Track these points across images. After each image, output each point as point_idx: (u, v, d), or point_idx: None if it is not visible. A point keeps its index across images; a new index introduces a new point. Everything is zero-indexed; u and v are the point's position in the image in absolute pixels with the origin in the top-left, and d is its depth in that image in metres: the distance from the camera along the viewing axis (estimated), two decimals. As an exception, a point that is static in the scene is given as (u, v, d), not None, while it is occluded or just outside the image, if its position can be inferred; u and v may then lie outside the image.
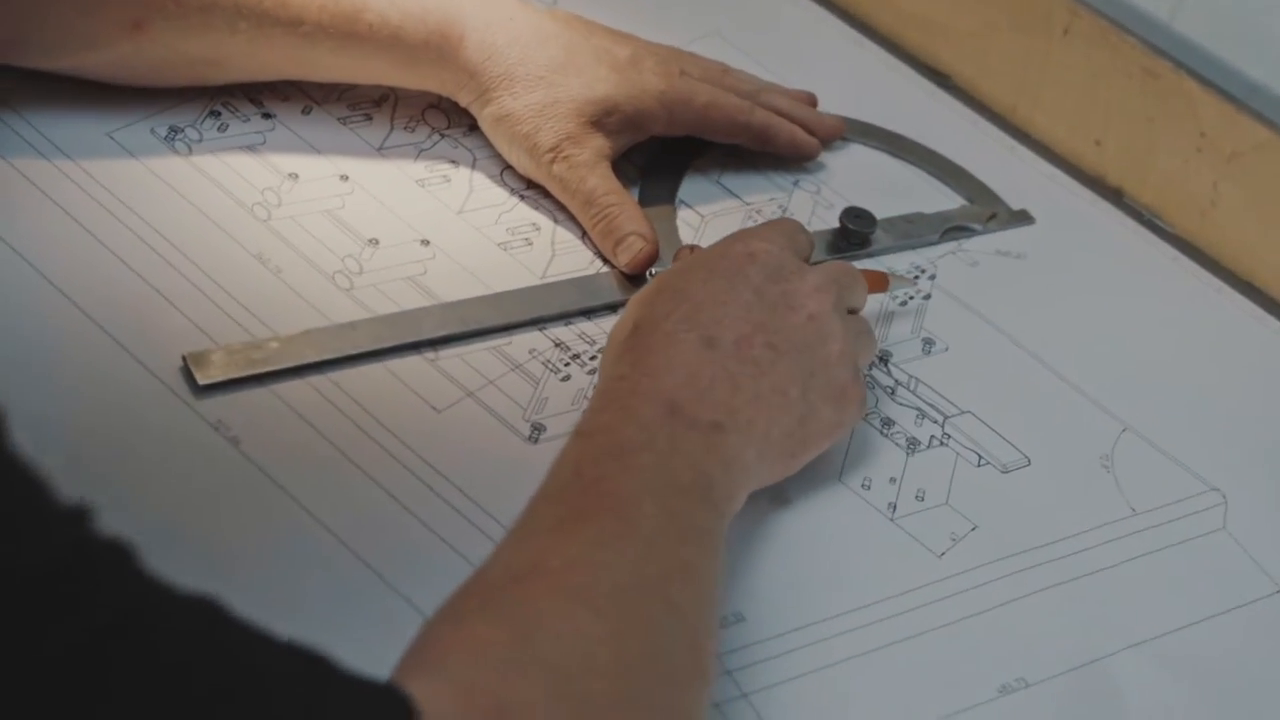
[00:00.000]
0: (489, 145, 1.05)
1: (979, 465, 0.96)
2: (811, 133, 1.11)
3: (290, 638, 0.62)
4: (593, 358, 0.96)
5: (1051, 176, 1.15)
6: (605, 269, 1.02)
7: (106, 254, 0.95)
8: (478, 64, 1.02)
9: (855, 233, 1.06)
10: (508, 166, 1.05)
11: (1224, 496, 0.97)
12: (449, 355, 0.95)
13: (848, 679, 0.85)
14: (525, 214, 1.04)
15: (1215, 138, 1.10)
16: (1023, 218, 1.11)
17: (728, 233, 0.95)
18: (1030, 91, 1.18)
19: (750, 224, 1.06)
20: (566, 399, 0.94)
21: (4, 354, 0.90)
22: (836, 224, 1.06)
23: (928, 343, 1.02)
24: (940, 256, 1.08)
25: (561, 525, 0.76)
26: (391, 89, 1.07)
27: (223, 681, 0.58)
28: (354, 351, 0.93)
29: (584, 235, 1.03)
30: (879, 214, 1.07)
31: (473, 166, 1.05)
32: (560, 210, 1.04)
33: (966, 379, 1.00)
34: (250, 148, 1.03)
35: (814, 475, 0.91)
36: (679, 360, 0.85)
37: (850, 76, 1.19)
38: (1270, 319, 1.08)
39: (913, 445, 0.96)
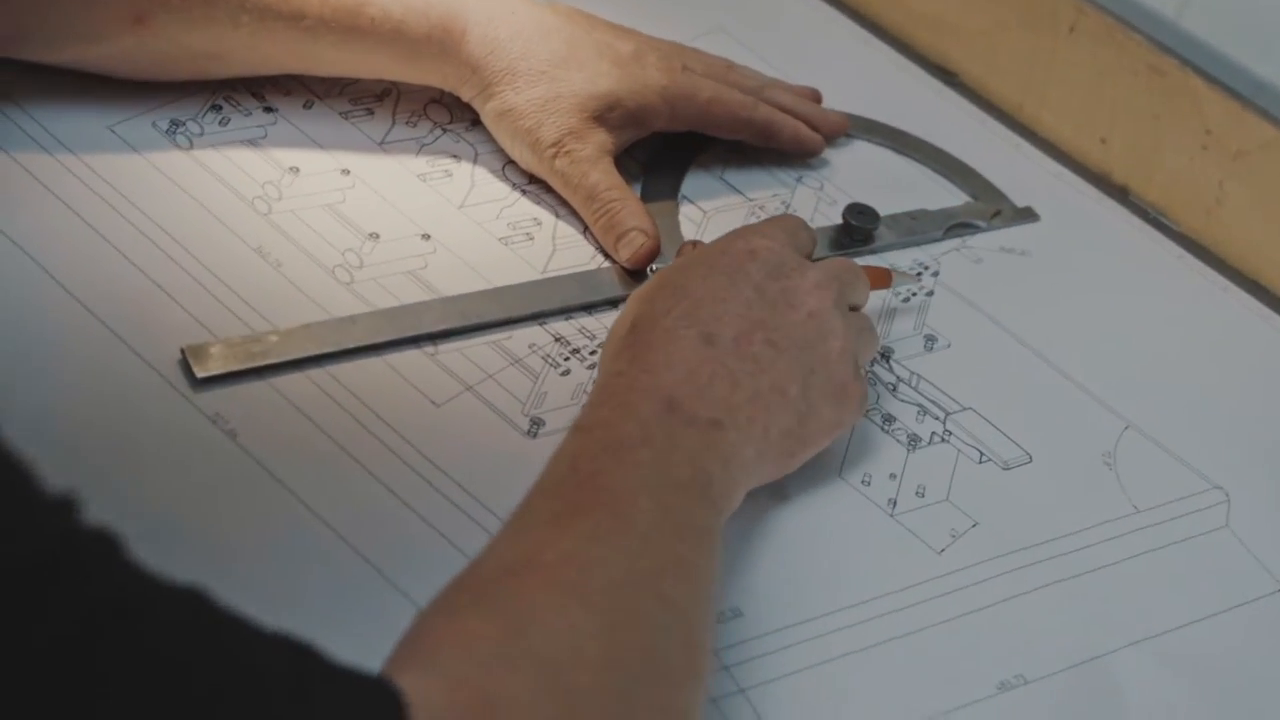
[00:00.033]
0: (491, 140, 1.05)
1: (980, 462, 0.96)
2: (815, 129, 1.10)
3: (279, 629, 0.62)
4: (593, 353, 0.96)
5: (1057, 174, 1.15)
6: (606, 264, 1.01)
7: (107, 247, 0.95)
8: (480, 58, 1.02)
9: (858, 229, 1.05)
10: (510, 161, 1.05)
11: (1227, 495, 0.96)
12: (449, 350, 0.95)
13: (846, 675, 0.85)
14: (527, 209, 1.03)
15: (1221, 136, 1.10)
16: (1027, 215, 1.11)
17: (730, 229, 0.94)
18: (1037, 89, 1.17)
19: (753, 220, 1.06)
20: (566, 394, 0.94)
21: (4, 347, 0.90)
22: (840, 220, 1.06)
23: (930, 339, 1.01)
24: (944, 253, 1.07)
25: (556, 520, 0.76)
26: (394, 83, 1.07)
27: (210, 672, 0.58)
28: (353, 345, 0.93)
29: (585, 230, 1.03)
30: (883, 210, 1.07)
31: (474, 161, 1.05)
32: (562, 205, 1.04)
33: (969, 376, 1.00)
34: (251, 142, 1.03)
35: (814, 471, 0.91)
36: (678, 357, 0.85)
37: (856, 74, 1.19)
38: (1275, 317, 1.08)
39: (914, 442, 0.96)
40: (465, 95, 1.04)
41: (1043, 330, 1.03)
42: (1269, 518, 0.96)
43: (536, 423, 0.92)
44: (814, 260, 0.94)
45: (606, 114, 1.03)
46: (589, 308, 0.99)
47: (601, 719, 0.68)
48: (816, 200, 1.09)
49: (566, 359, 0.96)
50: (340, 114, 1.06)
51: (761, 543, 0.89)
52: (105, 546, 0.58)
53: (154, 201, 0.98)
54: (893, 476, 0.94)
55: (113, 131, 1.01)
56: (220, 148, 1.02)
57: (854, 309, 0.94)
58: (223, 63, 1.03)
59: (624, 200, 1.01)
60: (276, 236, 0.98)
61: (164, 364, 0.90)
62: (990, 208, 1.10)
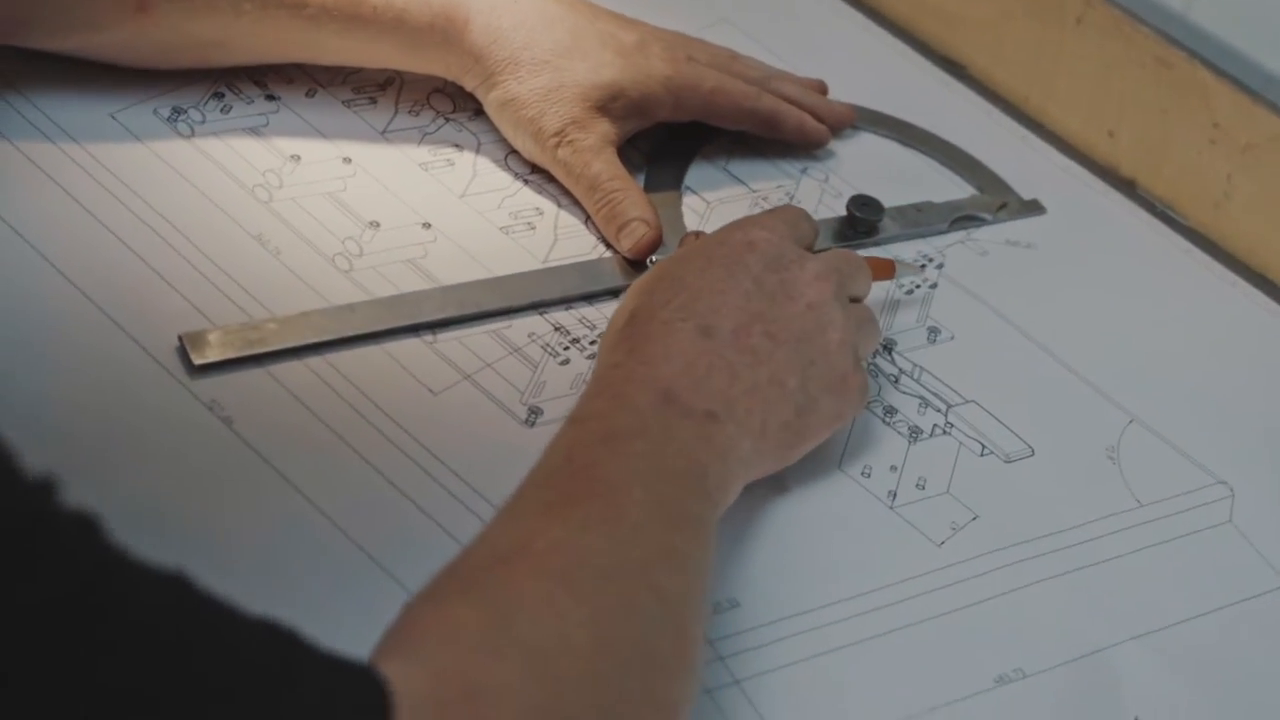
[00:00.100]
0: (494, 130, 1.05)
1: (982, 455, 0.95)
2: (821, 120, 1.10)
3: (262, 615, 0.61)
4: (592, 342, 0.96)
5: (1065, 167, 1.14)
6: (608, 254, 1.01)
7: (106, 235, 0.95)
8: (483, 48, 1.02)
9: (862, 221, 1.05)
10: (512, 151, 1.05)
11: (1231, 489, 0.96)
12: (448, 338, 0.94)
13: (842, 667, 0.84)
14: (529, 198, 1.03)
15: (1229, 129, 1.09)
16: (1034, 208, 1.10)
17: (733, 220, 0.94)
18: (1043, 81, 1.17)
19: (757, 211, 1.05)
20: (565, 383, 0.93)
21: (3, 334, 0.90)
22: (844, 212, 1.05)
23: (933, 331, 1.01)
24: (949, 245, 1.07)
25: (548, 509, 0.76)
26: (397, 73, 1.07)
27: (189, 657, 0.58)
28: (352, 333, 0.93)
29: (587, 220, 1.02)
30: (888, 202, 1.06)
31: (477, 151, 1.05)
32: (564, 195, 1.03)
33: (972, 368, 0.99)
34: (253, 130, 1.03)
35: (813, 463, 0.91)
36: (675, 349, 0.84)
37: (863, 65, 1.18)
38: (1283, 313, 1.07)
39: (915, 434, 0.95)
40: (468, 85, 1.04)
41: (1047, 323, 1.03)
42: (1273, 512, 0.95)
43: (535, 412, 0.92)
44: (817, 252, 0.94)
45: (610, 104, 1.02)
46: (590, 298, 0.98)
47: (589, 708, 0.68)
48: (821, 192, 1.08)
49: (566, 348, 0.95)
50: (343, 102, 1.06)
51: (759, 534, 0.89)
52: (85, 528, 0.57)
53: (154, 189, 0.98)
54: (893, 469, 0.93)
55: (114, 119, 1.01)
56: (222, 135, 1.02)
57: (855, 300, 0.93)
58: (225, 51, 1.03)
59: (626, 190, 1.01)
60: (276, 224, 0.98)
61: (162, 351, 0.90)
62: (996, 200, 1.10)
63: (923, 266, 1.04)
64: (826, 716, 0.83)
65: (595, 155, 1.01)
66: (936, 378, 0.98)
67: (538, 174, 1.04)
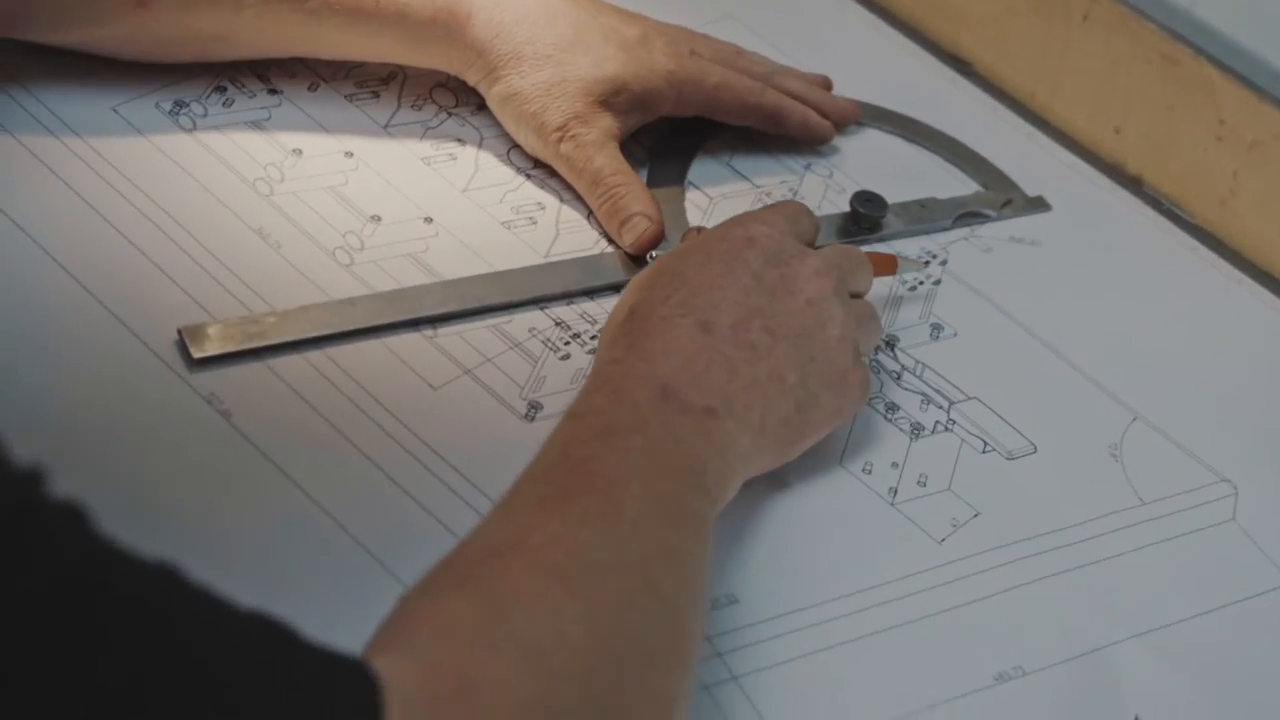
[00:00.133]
0: (496, 124, 1.05)
1: (984, 452, 0.95)
2: (825, 116, 1.10)
3: (253, 608, 0.61)
4: (593, 337, 0.95)
5: (1070, 164, 1.14)
6: (610, 249, 1.01)
7: (107, 228, 0.95)
8: (485, 42, 1.01)
9: (866, 216, 1.05)
10: (515, 145, 1.04)
11: (1235, 488, 0.95)
12: (448, 333, 0.94)
13: (841, 664, 0.84)
14: (531, 193, 1.03)
15: (1235, 126, 1.08)
16: (1039, 204, 1.10)
17: (734, 215, 0.94)
18: (1049, 78, 1.16)
19: (760, 207, 1.05)
20: (565, 378, 0.93)
21: (4, 328, 0.90)
22: (847, 208, 1.05)
23: (936, 328, 1.01)
24: (952, 242, 1.06)
25: (544, 504, 0.75)
26: (400, 67, 1.07)
27: (177, 647, 0.57)
28: (352, 328, 0.93)
29: (589, 215, 1.02)
30: (892, 199, 1.06)
31: (479, 145, 1.05)
32: (566, 190, 1.03)
33: (975, 365, 0.99)
34: (255, 124, 1.02)
35: (814, 459, 0.90)
36: (674, 345, 0.84)
37: (868, 62, 1.18)
38: (1288, 310, 1.07)
39: (917, 430, 0.95)
40: (470, 79, 1.03)
41: (1051, 320, 1.02)
42: (1277, 511, 0.95)
43: (534, 407, 0.91)
44: (819, 247, 0.93)
45: (612, 98, 1.02)
46: (591, 293, 0.98)
47: (583, 702, 0.67)
48: (825, 188, 1.08)
49: (567, 343, 0.95)
50: (345, 97, 1.05)
51: (759, 529, 0.88)
52: (72, 518, 0.57)
53: (156, 183, 0.98)
54: (894, 465, 0.93)
55: (116, 112, 1.01)
56: (224, 129, 1.02)
57: (856, 296, 0.93)
58: (227, 45, 1.02)
59: (628, 185, 1.00)
60: (277, 218, 0.97)
61: (162, 345, 0.90)
62: (1001, 197, 1.09)
63: (926, 263, 1.04)
64: (825, 713, 0.82)
65: (598, 150, 1.01)
66: (939, 374, 0.98)
67: (540, 169, 1.04)
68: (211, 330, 0.90)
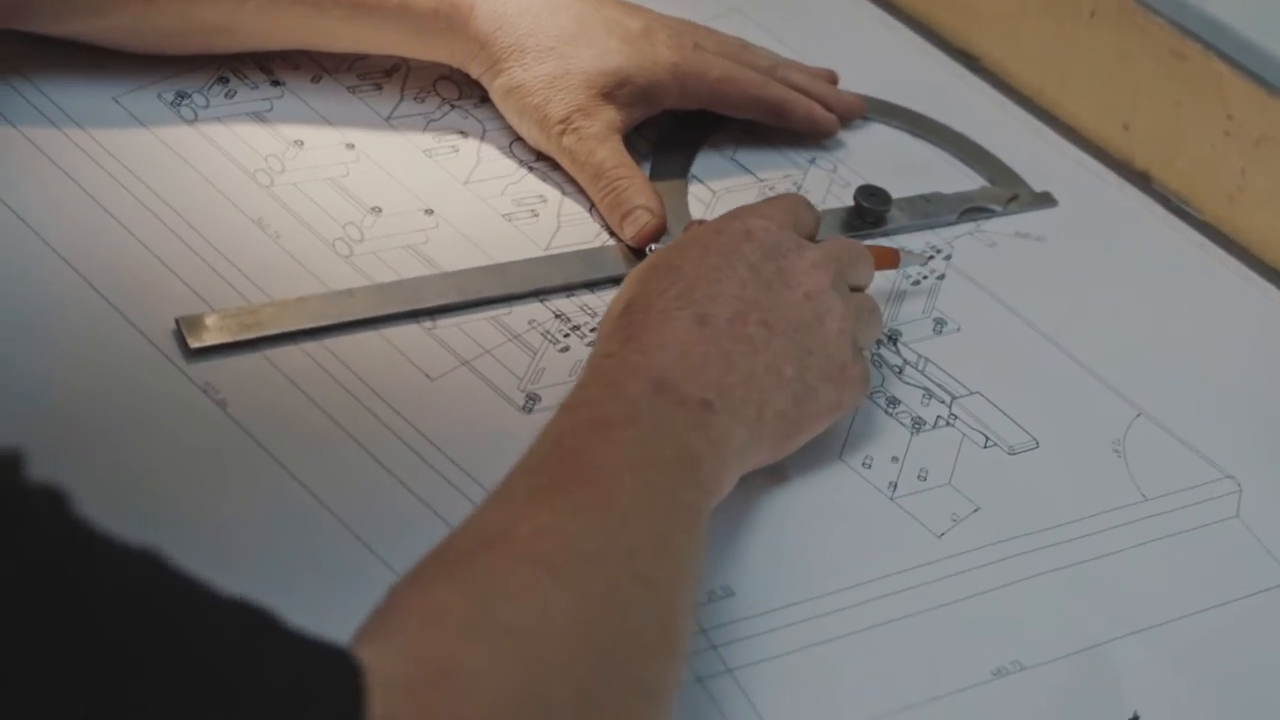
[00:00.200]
0: (499, 116, 1.04)
1: (985, 446, 0.94)
2: (830, 110, 1.09)
3: (235, 594, 0.61)
4: (593, 330, 0.95)
5: (1079, 160, 1.13)
6: (611, 242, 1.00)
7: (107, 219, 0.95)
8: (488, 34, 1.01)
9: (869, 211, 1.04)
10: (517, 138, 1.04)
11: (1239, 485, 0.95)
12: (447, 325, 0.94)
13: (837, 657, 0.83)
14: (532, 186, 1.03)
15: (1244, 121, 1.08)
16: (1045, 200, 1.09)
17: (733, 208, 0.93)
18: (1058, 74, 1.16)
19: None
20: (564, 370, 0.93)
21: (4, 318, 0.90)
22: (852, 202, 1.04)
23: (939, 323, 1.00)
24: (957, 237, 1.06)
25: (536, 494, 0.75)
26: (403, 59, 1.06)
27: (156, 631, 0.57)
28: (350, 318, 0.92)
29: (591, 208, 1.02)
30: (897, 193, 1.05)
31: (482, 138, 1.04)
32: (568, 183, 1.03)
33: (977, 360, 0.98)
34: (257, 115, 1.02)
35: (813, 452, 0.90)
36: (670, 338, 0.84)
37: (876, 58, 1.17)
38: (1295, 307, 1.06)
39: (918, 425, 0.94)
40: (473, 71, 1.03)
41: (1056, 316, 1.02)
42: (1280, 508, 0.94)
43: (532, 398, 0.91)
44: (821, 241, 0.93)
45: (615, 91, 1.02)
46: (591, 285, 0.98)
47: (568, 690, 0.67)
48: (829, 182, 1.07)
49: (566, 335, 0.95)
50: (348, 89, 1.05)
51: (756, 522, 0.88)
52: (52, 502, 0.57)
53: (156, 174, 0.98)
54: (895, 459, 0.92)
55: (117, 103, 1.01)
56: (226, 121, 1.02)
57: (857, 289, 0.92)
58: (230, 37, 1.02)
59: (631, 178, 1.00)
60: (277, 209, 0.97)
61: (159, 335, 0.90)
62: (1006, 192, 1.09)
63: (930, 257, 1.03)
64: (821, 706, 0.82)
65: (600, 143, 1.01)
66: (941, 369, 0.97)
67: (543, 161, 1.04)
68: (209, 320, 0.90)
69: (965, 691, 0.83)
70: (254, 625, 0.60)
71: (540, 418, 0.90)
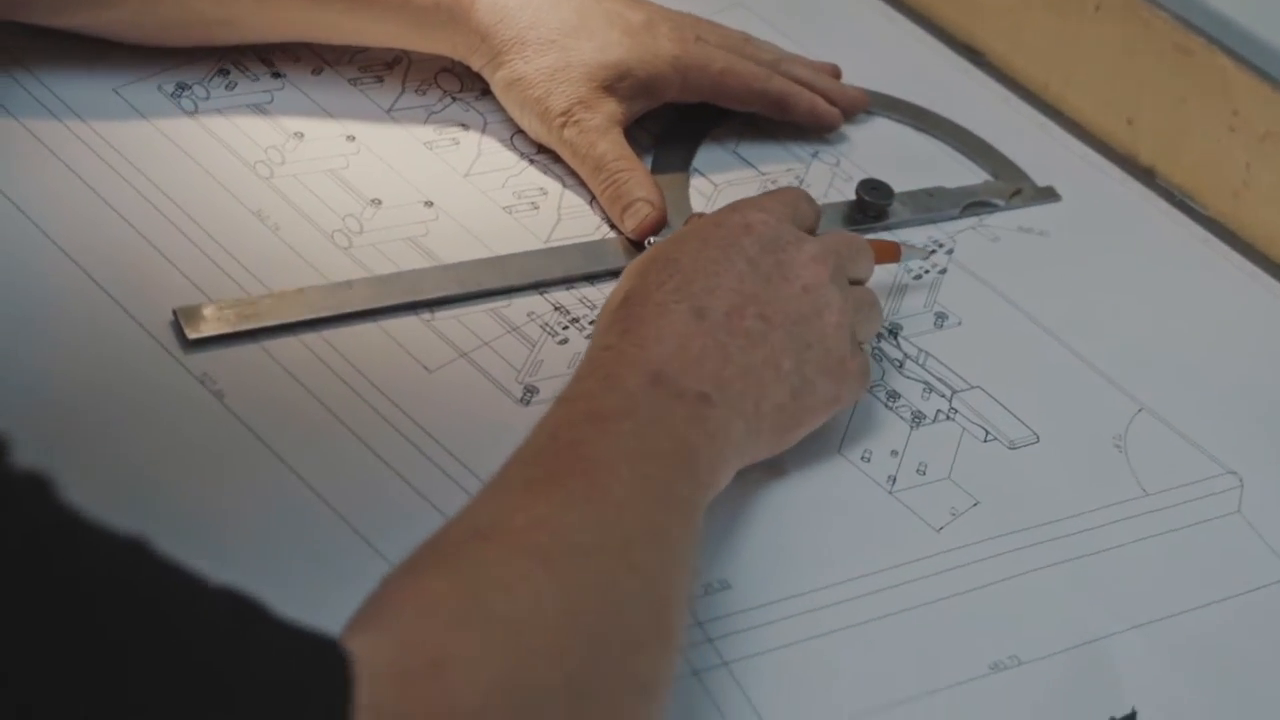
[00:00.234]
0: (501, 110, 1.04)
1: (985, 441, 0.94)
2: (833, 104, 1.09)
3: (224, 583, 0.60)
4: (592, 322, 0.95)
5: (1083, 155, 1.13)
6: (611, 235, 1.00)
7: (107, 211, 0.95)
8: (489, 26, 1.01)
9: (871, 205, 1.04)
10: (518, 131, 1.04)
11: (1240, 480, 0.94)
12: (446, 316, 0.94)
13: (834, 651, 0.83)
14: (533, 178, 1.02)
15: (1249, 116, 1.07)
16: (1048, 195, 1.09)
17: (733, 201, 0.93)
18: (1062, 69, 1.15)
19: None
20: (563, 362, 0.93)
21: (2, 310, 0.90)
22: (854, 196, 1.04)
23: (940, 317, 1.00)
24: (960, 231, 1.06)
25: (531, 486, 0.75)
26: (404, 52, 1.06)
27: (139, 619, 0.57)
28: (348, 310, 0.92)
29: (592, 201, 1.02)
30: (900, 187, 1.05)
31: (483, 130, 1.04)
32: (569, 175, 1.02)
33: (978, 354, 0.98)
34: (258, 107, 1.02)
35: (812, 446, 0.89)
36: (668, 331, 0.83)
37: (881, 52, 1.17)
38: (1300, 303, 1.06)
39: (918, 419, 0.94)
40: (475, 64, 1.03)
41: (1058, 310, 1.01)
42: (1283, 504, 0.94)
43: (530, 390, 0.91)
44: (821, 234, 0.93)
45: (617, 84, 1.01)
46: (591, 278, 0.97)
47: (558, 681, 0.66)
48: (832, 176, 1.07)
49: (565, 328, 0.94)
50: (349, 81, 1.05)
51: (754, 515, 0.87)
52: (37, 488, 0.57)
53: (157, 165, 0.98)
54: (894, 453, 0.92)
55: (118, 94, 1.01)
56: (226, 113, 1.01)
57: (857, 283, 0.92)
58: (232, 29, 1.02)
59: (631, 171, 1.00)
60: (277, 200, 0.97)
61: (157, 326, 0.90)
62: (1010, 186, 1.08)
63: (931, 251, 1.03)
64: (817, 700, 0.82)
65: (601, 135, 1.00)
66: (942, 363, 0.97)
67: (544, 154, 1.03)
68: (206, 311, 0.90)
69: (962, 685, 0.83)
70: (242, 614, 0.60)
71: (538, 410, 0.89)
